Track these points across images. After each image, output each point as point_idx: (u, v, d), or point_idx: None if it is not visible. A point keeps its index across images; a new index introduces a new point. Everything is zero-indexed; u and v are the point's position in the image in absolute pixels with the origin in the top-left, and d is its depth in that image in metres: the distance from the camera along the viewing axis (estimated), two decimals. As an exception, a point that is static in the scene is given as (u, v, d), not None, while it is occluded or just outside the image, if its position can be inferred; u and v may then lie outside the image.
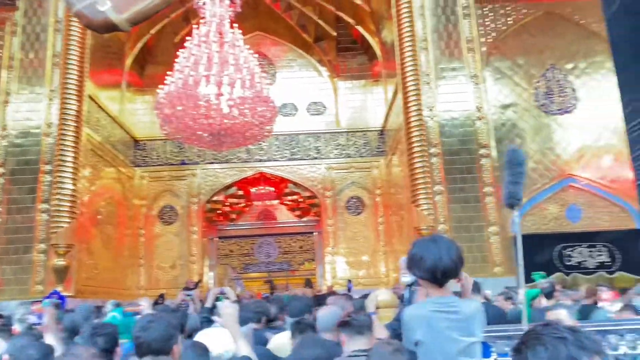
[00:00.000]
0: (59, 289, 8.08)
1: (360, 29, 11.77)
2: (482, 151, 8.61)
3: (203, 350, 2.42)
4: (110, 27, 4.44)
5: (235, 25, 6.49)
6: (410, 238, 9.04)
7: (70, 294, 8.04)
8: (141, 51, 11.93)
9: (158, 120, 6.56)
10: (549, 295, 5.27)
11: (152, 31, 11.68)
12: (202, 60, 5.84)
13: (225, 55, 5.95)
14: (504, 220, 8.39)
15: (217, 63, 5.77)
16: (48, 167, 8.52)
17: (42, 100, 8.79)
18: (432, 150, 8.58)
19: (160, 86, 6.04)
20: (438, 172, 8.52)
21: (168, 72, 6.06)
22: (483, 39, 9.17)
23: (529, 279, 8.01)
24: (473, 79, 8.92)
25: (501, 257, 8.18)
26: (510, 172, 3.29)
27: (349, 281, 10.85)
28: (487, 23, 9.27)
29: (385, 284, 11.01)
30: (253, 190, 12.18)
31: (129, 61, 11.69)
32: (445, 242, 2.08)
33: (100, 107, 10.13)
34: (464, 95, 8.86)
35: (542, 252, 8.31)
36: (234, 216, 12.79)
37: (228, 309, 2.58)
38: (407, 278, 4.64)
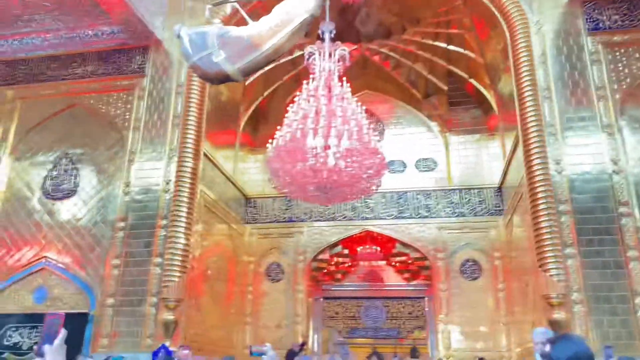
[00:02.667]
0: (167, 343, 8.11)
1: (474, 82, 11.30)
2: (622, 209, 7.51)
3: None
4: (223, 78, 4.47)
5: (344, 78, 6.38)
6: (537, 307, 8.00)
7: (176, 349, 8.00)
8: (254, 113, 12.40)
9: (268, 177, 6.51)
10: None
11: (265, 93, 12.16)
12: (311, 113, 5.74)
13: (333, 108, 5.82)
14: (654, 291, 7.13)
15: (325, 116, 5.63)
16: (164, 222, 8.84)
17: (162, 158, 9.28)
18: (561, 207, 7.66)
19: (270, 141, 6.03)
20: (569, 232, 7.54)
21: (278, 127, 6.04)
22: (616, 86, 8.24)
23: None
24: (606, 129, 7.98)
25: (653, 334, 6.88)
26: None
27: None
28: (619, 68, 8.36)
29: (507, 359, 9.83)
30: (359, 249, 11.77)
31: (243, 122, 12.17)
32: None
33: (215, 165, 10.52)
34: (596, 147, 7.92)
35: None
36: (339, 276, 12.41)
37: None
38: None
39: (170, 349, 7.99)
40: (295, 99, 6.15)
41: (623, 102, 8.18)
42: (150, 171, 9.29)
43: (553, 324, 7.26)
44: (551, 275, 7.43)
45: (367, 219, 11.63)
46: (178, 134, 9.37)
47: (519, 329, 9.72)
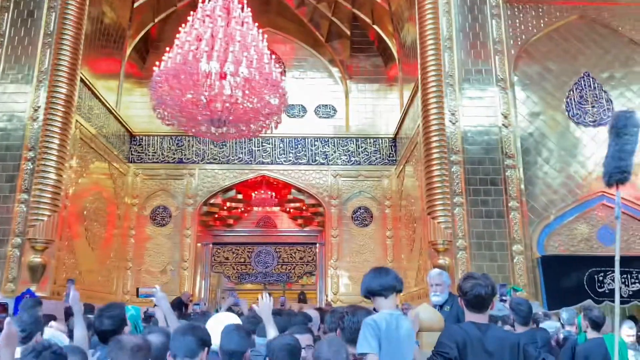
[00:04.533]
0: (33, 288, 7.27)
1: (377, 28, 11.09)
2: (508, 162, 7.83)
3: (246, 333, 2.67)
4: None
5: (245, 2, 5.78)
6: (423, 253, 8.24)
7: (44, 295, 7.20)
8: (143, 41, 11.26)
9: (152, 105, 5.80)
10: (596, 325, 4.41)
11: (157, 19, 11.02)
12: (206, 35, 5.11)
13: (232, 31, 5.23)
14: (530, 239, 7.61)
15: (222, 39, 5.04)
16: (31, 154, 7.76)
17: (30, 81, 8.06)
18: (453, 157, 7.81)
19: (157, 63, 5.31)
20: (459, 182, 7.74)
21: (167, 49, 5.34)
22: (512, 42, 8.45)
23: (558, 305, 7.19)
24: (500, 83, 8.19)
25: (525, 279, 7.36)
26: (618, 141, 2.66)
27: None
28: (516, 25, 8.56)
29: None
30: (254, 194, 11.39)
31: (129, 50, 10.99)
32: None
33: (95, 95, 9.42)
34: (490, 100, 8.12)
35: (570, 276, 7.49)
36: (231, 221, 12.00)
37: (265, 301, 3.12)
38: (439, 297, 3.81)
39: (37, 294, 7.17)
40: (189, 18, 5.45)
41: (517, 58, 8.43)
42: (15, 95, 8.07)
43: (437, 269, 7.50)
44: (439, 223, 7.62)
45: (263, 163, 11.23)
46: (50, 55, 8.18)
47: (404, 275, 10.05)
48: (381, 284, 2.60)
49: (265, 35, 5.70)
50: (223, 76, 4.99)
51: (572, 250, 7.74)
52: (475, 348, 2.26)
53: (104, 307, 3.53)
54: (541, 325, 4.87)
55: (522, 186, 7.78)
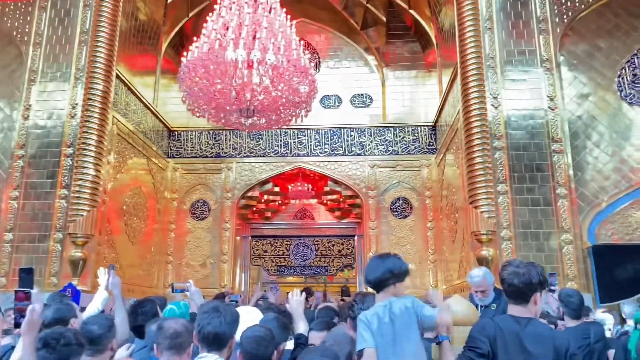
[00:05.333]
0: (74, 282, 7.39)
1: (414, 13, 10.73)
2: (555, 146, 7.39)
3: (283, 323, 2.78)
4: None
5: (273, -12, 5.62)
6: (465, 244, 7.91)
7: (85, 289, 7.32)
8: (178, 36, 11.30)
9: (181, 97, 5.73)
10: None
11: (191, 14, 11.04)
12: (232, 23, 4.99)
13: (259, 18, 5.08)
14: (580, 228, 7.16)
15: (249, 26, 4.90)
16: (70, 151, 7.89)
17: (67, 79, 8.20)
18: (496, 143, 7.44)
19: (185, 54, 5.24)
20: (502, 169, 7.36)
21: (194, 39, 5.25)
22: (557, 20, 7.96)
23: (612, 298, 6.76)
24: (545, 63, 7.73)
25: (575, 270, 6.95)
26: None
27: None
28: (562, 1, 8.05)
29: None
30: (290, 187, 11.29)
31: (164, 46, 11.07)
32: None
33: (131, 91, 9.50)
34: (534, 82, 7.69)
35: (626, 267, 7.00)
36: (269, 214, 11.95)
37: (296, 297, 3.13)
38: (486, 302, 3.55)
39: (78, 288, 7.29)
40: (216, 6, 5.34)
41: (563, 37, 7.93)
42: (54, 93, 8.22)
43: (480, 261, 7.19)
44: (482, 212, 7.28)
45: (299, 155, 11.10)
46: (86, 52, 8.28)
47: (446, 267, 9.74)
48: (374, 277, 2.56)
49: (294, 22, 5.52)
50: (250, 64, 4.85)
51: (626, 239, 7.24)
52: (510, 344, 2.02)
53: (137, 303, 3.59)
54: (595, 318, 4.51)
55: (571, 172, 7.33)
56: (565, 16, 7.96)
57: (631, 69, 7.79)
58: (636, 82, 7.73)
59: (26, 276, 3.07)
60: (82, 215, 7.66)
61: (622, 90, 7.73)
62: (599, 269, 6.97)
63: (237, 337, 2.39)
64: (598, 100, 7.76)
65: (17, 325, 2.33)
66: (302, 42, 5.80)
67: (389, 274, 2.52)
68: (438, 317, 2.43)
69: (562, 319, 3.73)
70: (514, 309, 2.15)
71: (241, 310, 3.12)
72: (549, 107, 7.57)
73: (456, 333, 2.43)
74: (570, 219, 7.12)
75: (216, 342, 2.18)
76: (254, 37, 4.93)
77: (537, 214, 7.19)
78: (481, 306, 3.77)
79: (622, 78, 7.78)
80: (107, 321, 2.77)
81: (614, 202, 7.34)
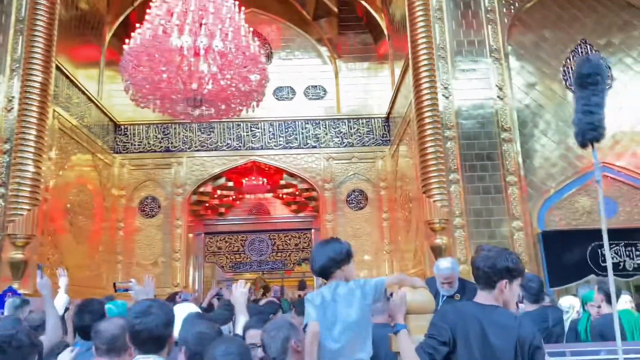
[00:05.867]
0: (15, 286, 6.98)
1: (365, 4, 10.70)
2: (505, 135, 7.52)
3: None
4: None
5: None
6: (419, 234, 7.96)
7: (27, 292, 6.91)
8: (123, 26, 10.82)
9: (124, 86, 5.45)
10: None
11: (136, 3, 10.62)
12: (177, 8, 4.77)
13: (205, 4, 4.88)
14: (529, 214, 7.32)
15: (194, 11, 4.69)
16: (7, 146, 7.43)
17: (2, 71, 7.71)
18: (447, 133, 7.50)
19: (127, 41, 4.97)
20: (454, 158, 7.43)
21: (137, 25, 4.99)
22: (505, 10, 8.09)
23: (561, 282, 6.97)
24: (494, 53, 7.85)
25: (526, 256, 7.08)
26: (584, 93, 2.35)
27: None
28: (509, -8, 8.19)
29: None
30: (244, 181, 11.07)
31: (108, 36, 10.61)
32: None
33: (73, 84, 9.05)
34: (484, 72, 7.79)
35: (573, 251, 7.21)
36: (222, 210, 11.68)
37: (240, 289, 3.03)
38: (451, 292, 3.52)
39: (19, 291, 6.88)
40: (159, -10, 5.09)
41: (511, 28, 8.08)
42: (-12, 86, 7.70)
43: (434, 249, 7.24)
44: (435, 201, 7.33)
45: (253, 148, 10.89)
46: (22, 42, 7.80)
47: (401, 257, 9.80)
48: (317, 266, 2.63)
49: (243, 8, 5.34)
50: (197, 52, 4.65)
51: (573, 225, 7.47)
52: (471, 332, 1.92)
53: (83, 303, 3.44)
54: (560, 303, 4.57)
55: (520, 160, 7.48)
56: (512, 7, 8.10)
57: (575, 59, 8.00)
58: (580, 71, 7.94)
59: None
60: (21, 214, 7.23)
61: (567, 80, 7.94)
62: (548, 254, 7.15)
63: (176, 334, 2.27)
64: (544, 89, 7.95)
65: None
66: (253, 33, 5.65)
67: (330, 262, 2.58)
68: (387, 279, 2.61)
69: (521, 303, 3.74)
70: (480, 296, 2.06)
71: (179, 307, 3.03)
72: (498, 97, 7.69)
73: (413, 322, 2.35)
74: (520, 206, 7.27)
75: (151, 343, 2.02)
76: (201, 24, 4.73)
77: (489, 201, 7.30)
78: (443, 296, 3.74)
79: (567, 68, 8.00)
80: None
81: (561, 189, 7.55)
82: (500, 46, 7.90)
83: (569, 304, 4.48)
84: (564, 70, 7.99)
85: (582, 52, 8.01)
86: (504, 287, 2.01)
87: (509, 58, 7.94)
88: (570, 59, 8.01)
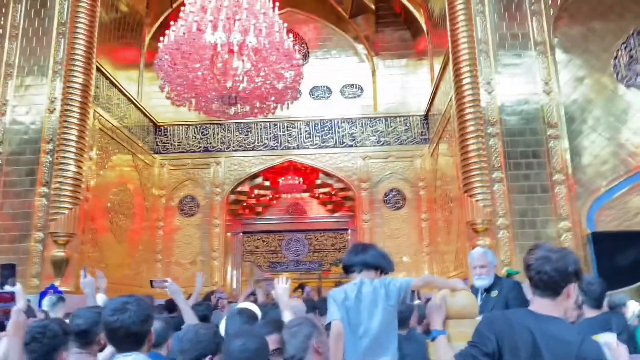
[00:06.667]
0: (57, 283, 7.12)
1: (403, 0, 10.47)
2: (551, 132, 7.18)
3: (250, 316, 2.59)
4: None
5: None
6: (461, 235, 7.69)
7: (68, 290, 7.04)
8: (162, 27, 10.92)
9: (159, 84, 5.45)
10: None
11: (175, 5, 10.73)
12: (210, 5, 4.72)
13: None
14: (578, 215, 6.95)
15: (228, 7, 4.62)
16: (50, 147, 7.59)
17: (45, 73, 7.88)
18: (490, 130, 7.21)
19: (161, 39, 4.96)
20: (497, 156, 7.14)
21: (171, 23, 4.98)
22: (550, 1, 7.72)
23: (612, 286, 6.56)
24: (539, 47, 7.51)
25: (574, 258, 6.72)
26: None
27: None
28: (555, -17, 7.82)
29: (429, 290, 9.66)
30: (281, 180, 11.03)
31: (148, 38, 10.76)
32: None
33: (114, 85, 9.21)
34: (528, 66, 7.46)
35: (626, 254, 6.80)
36: (260, 209, 11.68)
37: (282, 285, 2.88)
38: (484, 280, 3.30)
39: (61, 289, 7.01)
40: (193, -12, 5.06)
41: (557, 20, 7.70)
42: (32, 87, 7.91)
43: (477, 251, 6.96)
44: (477, 201, 7.06)
45: (289, 148, 10.84)
46: (64, 45, 7.97)
47: (441, 259, 9.52)
48: (349, 260, 2.59)
49: (277, 3, 5.25)
50: (231, 48, 4.59)
51: (626, 225, 7.04)
52: (520, 345, 1.68)
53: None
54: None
55: (568, 157, 7.11)
56: (558, -2, 7.73)
57: (627, 50, 7.57)
58: (632, 63, 7.51)
59: (8, 272, 2.90)
60: (63, 213, 7.37)
61: (618, 73, 7.52)
62: (598, 256, 6.76)
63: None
64: (594, 84, 7.55)
65: (2, 327, 2.31)
66: (289, 33, 5.56)
67: (366, 259, 2.59)
68: (414, 280, 2.48)
69: (580, 308, 3.43)
70: (538, 303, 1.78)
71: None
72: (544, 92, 7.35)
73: (453, 327, 2.18)
74: (568, 205, 6.91)
75: (129, 341, 1.92)
76: (234, 20, 4.66)
77: (534, 201, 6.98)
78: (481, 293, 3.53)
79: (618, 60, 7.57)
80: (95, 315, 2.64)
81: (612, 188, 7.14)
82: (546, 39, 7.55)
83: (637, 309, 4.14)
84: (615, 63, 7.56)
85: (634, 44, 7.56)
86: (571, 291, 1.76)
87: (555, 51, 7.57)
88: (621, 51, 7.57)
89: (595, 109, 7.45)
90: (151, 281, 5.10)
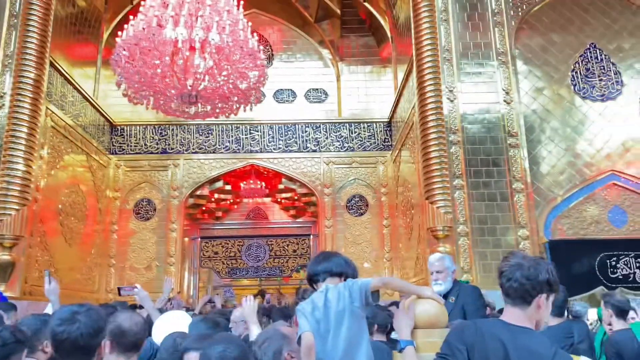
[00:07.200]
0: (1, 288, 6.72)
1: (368, 6, 10.50)
2: (511, 141, 7.28)
3: (214, 323, 2.68)
4: None
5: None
6: (422, 241, 7.70)
7: (13, 295, 6.65)
8: (121, 24, 10.59)
9: (115, 81, 5.22)
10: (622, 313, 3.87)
11: (135, 1, 10.42)
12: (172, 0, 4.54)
13: (201, -5, 4.66)
14: (536, 223, 7.07)
15: (190, 2, 4.46)
16: (-3, 144, 7.19)
17: (-5, 66, 7.48)
18: (452, 137, 7.26)
19: (119, 33, 4.75)
20: (458, 163, 7.19)
21: (130, 18, 4.77)
22: (512, 12, 7.88)
23: (569, 293, 6.67)
24: (500, 57, 7.63)
25: (532, 266, 6.81)
26: None
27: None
28: (517, -6, 7.98)
29: (389, 295, 9.66)
30: (242, 184, 10.83)
31: (106, 35, 10.40)
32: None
33: (69, 82, 8.83)
34: (490, 75, 7.57)
35: (581, 262, 6.95)
36: (219, 214, 11.45)
37: (250, 303, 2.97)
38: (441, 286, 3.25)
39: (5, 294, 6.61)
40: (154, -18, 4.86)
41: (518, 31, 7.86)
42: (-21, 82, 7.46)
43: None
44: (438, 207, 7.08)
45: (252, 151, 10.66)
46: (15, 38, 7.58)
47: (401, 265, 9.53)
48: (313, 270, 2.52)
49: (242, 2, 5.11)
50: (193, 46, 4.42)
51: (581, 234, 7.20)
52: (492, 356, 1.61)
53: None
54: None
55: (527, 166, 7.23)
56: (520, 9, 7.89)
57: (584, 63, 7.79)
58: (589, 76, 7.73)
59: None
60: (10, 214, 6.98)
61: (575, 85, 7.71)
62: (555, 264, 6.79)
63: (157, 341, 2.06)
64: (552, 94, 7.72)
65: None
66: (254, 33, 5.43)
67: (331, 267, 2.49)
68: (374, 279, 2.36)
69: None
70: (509, 313, 1.73)
71: (170, 314, 2.86)
72: (505, 101, 7.46)
73: (422, 338, 2.09)
74: (526, 213, 7.02)
75: (77, 354, 1.81)
76: (197, 17, 4.50)
77: (494, 209, 7.05)
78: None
79: (576, 72, 7.77)
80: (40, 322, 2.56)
81: (569, 197, 7.29)
82: (507, 49, 7.68)
83: (596, 317, 4.19)
84: (573, 75, 7.76)
85: (591, 57, 7.79)
86: (542, 302, 1.71)
87: (516, 62, 7.72)
88: (579, 64, 7.78)
89: (553, 120, 7.62)
90: (119, 289, 4.92)
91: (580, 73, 7.73)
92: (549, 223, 7.20)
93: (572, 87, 7.73)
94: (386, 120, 10.58)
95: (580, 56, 7.80)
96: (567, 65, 7.79)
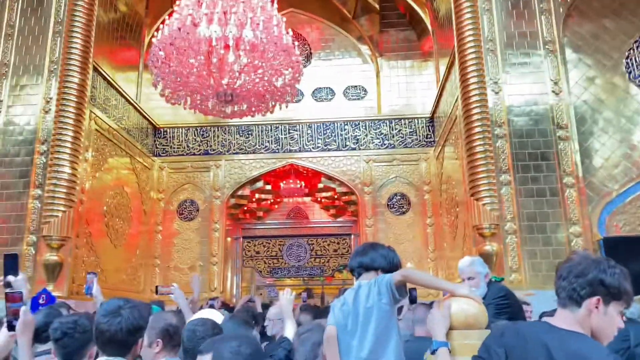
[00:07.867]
0: (50, 288, 6.89)
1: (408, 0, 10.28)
2: (561, 133, 6.92)
3: (243, 321, 2.81)
4: None
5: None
6: (467, 240, 7.43)
7: (61, 295, 6.82)
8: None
9: (152, 81, 5.24)
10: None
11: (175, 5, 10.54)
12: (206, -2, 4.51)
13: (235, -8, 4.60)
14: (589, 219, 6.68)
15: (224, 0, 4.41)
16: (44, 148, 7.39)
17: (41, 72, 7.70)
18: (498, 131, 6.96)
19: (155, 34, 4.76)
20: (504, 158, 6.88)
21: (166, 18, 4.77)
22: (560, -1, 7.50)
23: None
24: (548, 46, 7.26)
25: (586, 265, 6.44)
26: None
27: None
28: (564, -20, 7.58)
29: (434, 296, 9.40)
30: (282, 184, 10.79)
31: (147, 39, 10.58)
32: None
33: (112, 86, 9.01)
34: (537, 65, 7.22)
35: (638, 260, 6.50)
36: (260, 214, 11.46)
37: (287, 296, 2.95)
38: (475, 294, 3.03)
39: (54, 294, 6.79)
40: (189, -19, 4.85)
41: (566, 18, 7.46)
42: (27, 87, 7.72)
43: (484, 256, 6.68)
44: (484, 205, 6.80)
45: (291, 151, 10.61)
46: (60, 44, 7.78)
47: (447, 265, 9.25)
48: (350, 265, 2.57)
49: (276, 5, 5.03)
50: (227, 43, 4.37)
51: (639, 231, 6.75)
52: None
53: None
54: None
55: (578, 160, 6.85)
56: (568, -5, 7.49)
57: (639, 49, 7.31)
58: (645, 63, 7.25)
59: (11, 262, 2.71)
60: (57, 216, 7.16)
61: (630, 72, 7.25)
62: (611, 262, 6.47)
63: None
64: (605, 83, 7.28)
65: (12, 328, 2.22)
66: (289, 29, 5.36)
67: (364, 261, 2.53)
68: (395, 273, 2.28)
69: None
70: (559, 315, 1.56)
71: (203, 313, 2.87)
72: (553, 92, 7.10)
73: (458, 339, 1.92)
74: (578, 210, 6.64)
75: (114, 346, 1.88)
76: (231, 13, 4.45)
77: (543, 205, 6.71)
78: None
79: (630, 59, 7.30)
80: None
81: (624, 192, 6.85)
82: (555, 38, 7.31)
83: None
84: (627, 62, 7.30)
85: (647, 42, 7.30)
86: (592, 307, 1.51)
87: (564, 50, 7.33)
88: (634, 50, 7.31)
89: (607, 110, 7.19)
90: (157, 287, 4.95)
91: (635, 60, 7.27)
92: (603, 219, 6.79)
93: (627, 74, 7.26)
94: (428, 115, 10.31)
95: (635, 42, 7.33)
96: (620, 53, 7.33)
